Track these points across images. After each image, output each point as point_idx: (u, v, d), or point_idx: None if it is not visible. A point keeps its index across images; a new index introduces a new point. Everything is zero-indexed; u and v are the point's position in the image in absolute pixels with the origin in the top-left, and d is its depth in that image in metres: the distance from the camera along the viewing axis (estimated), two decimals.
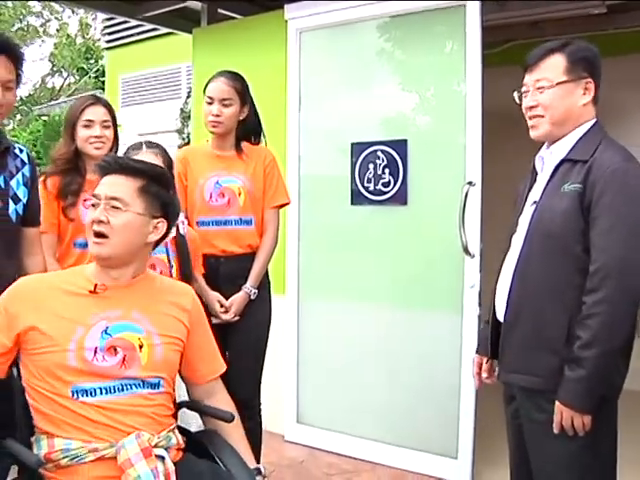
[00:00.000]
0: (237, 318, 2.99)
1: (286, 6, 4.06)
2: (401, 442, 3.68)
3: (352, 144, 3.84)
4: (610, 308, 1.87)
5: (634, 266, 1.89)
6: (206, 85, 3.05)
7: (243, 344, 3.03)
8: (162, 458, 1.83)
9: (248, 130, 3.11)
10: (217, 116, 2.98)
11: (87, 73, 12.88)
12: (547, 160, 2.14)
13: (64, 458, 1.80)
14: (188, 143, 5.23)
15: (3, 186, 2.26)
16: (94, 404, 1.84)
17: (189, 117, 5.79)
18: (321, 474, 3.63)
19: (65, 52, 12.81)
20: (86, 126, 2.81)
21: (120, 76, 8.68)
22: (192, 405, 2.16)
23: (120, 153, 2.91)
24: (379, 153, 3.73)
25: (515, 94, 2.17)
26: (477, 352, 2.42)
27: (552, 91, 2.07)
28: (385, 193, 3.71)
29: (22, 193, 2.31)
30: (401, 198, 3.65)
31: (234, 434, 2.08)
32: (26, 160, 2.37)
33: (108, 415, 1.84)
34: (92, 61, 13.13)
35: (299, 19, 4.02)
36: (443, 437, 3.52)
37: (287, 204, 3.21)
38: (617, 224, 1.90)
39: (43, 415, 1.86)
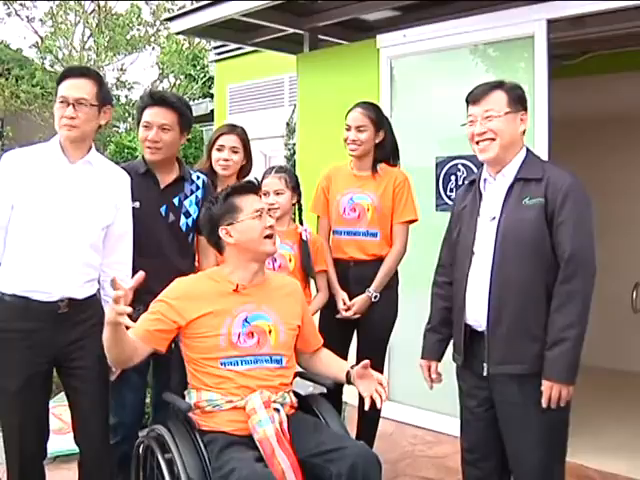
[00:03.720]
0: (357, 316, 3.42)
1: (378, 36, 4.64)
2: None
3: (437, 158, 4.37)
4: (584, 296, 2.36)
5: (592, 257, 2.39)
6: (347, 115, 3.52)
7: (369, 336, 3.52)
8: (278, 410, 2.44)
9: (386, 152, 3.54)
10: (354, 141, 3.45)
11: (194, 79, 13.76)
12: (499, 181, 2.55)
13: (208, 406, 2.47)
14: (293, 154, 5.85)
15: (177, 204, 3.04)
16: (235, 371, 2.48)
17: (294, 130, 6.39)
18: (407, 443, 4.21)
19: (173, 59, 13.65)
20: (218, 149, 3.43)
21: (228, 86, 9.36)
22: (303, 375, 2.81)
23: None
24: (460, 166, 4.25)
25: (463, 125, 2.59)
26: (423, 357, 2.81)
27: (500, 119, 2.47)
28: None
29: (193, 210, 3.07)
30: None
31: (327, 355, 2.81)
32: (200, 185, 3.13)
33: (244, 379, 2.48)
34: (198, 68, 14.00)
35: (390, 47, 4.60)
36: None
37: (415, 221, 3.54)
38: (578, 227, 2.38)
39: (196, 377, 2.53)
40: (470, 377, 2.64)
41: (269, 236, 2.59)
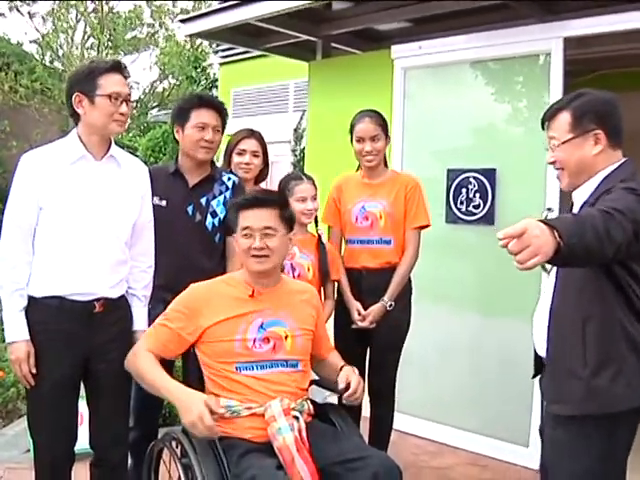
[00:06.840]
0: (373, 325, 3.40)
1: (393, 47, 4.66)
2: (479, 430, 4.23)
3: (448, 170, 4.39)
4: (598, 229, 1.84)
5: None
6: (352, 125, 3.48)
7: (382, 345, 3.51)
8: (297, 418, 2.44)
9: (384, 158, 3.55)
10: (370, 152, 3.42)
11: (196, 81, 13.73)
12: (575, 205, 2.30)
13: (227, 412, 2.45)
14: (300, 160, 5.87)
15: (204, 204, 3.08)
16: (251, 376, 2.48)
17: (302, 136, 6.40)
18: (409, 454, 4.21)
19: (174, 60, 13.61)
20: (239, 154, 3.46)
21: (232, 90, 9.38)
22: (319, 382, 2.81)
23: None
24: (471, 179, 4.27)
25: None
26: None
27: (561, 148, 2.23)
28: (475, 214, 4.25)
29: (220, 210, 3.10)
30: (489, 219, 4.19)
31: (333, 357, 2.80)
32: (230, 186, 3.16)
33: (261, 384, 2.48)
34: (199, 70, 13.98)
35: (404, 58, 4.61)
36: (517, 427, 4.03)
37: (427, 226, 3.51)
38: (621, 200, 1.97)
39: (213, 382, 2.53)
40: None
41: (255, 256, 2.54)
